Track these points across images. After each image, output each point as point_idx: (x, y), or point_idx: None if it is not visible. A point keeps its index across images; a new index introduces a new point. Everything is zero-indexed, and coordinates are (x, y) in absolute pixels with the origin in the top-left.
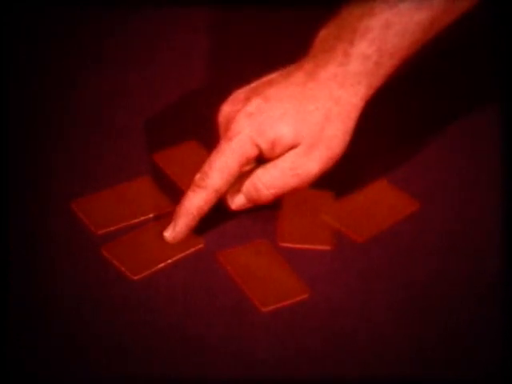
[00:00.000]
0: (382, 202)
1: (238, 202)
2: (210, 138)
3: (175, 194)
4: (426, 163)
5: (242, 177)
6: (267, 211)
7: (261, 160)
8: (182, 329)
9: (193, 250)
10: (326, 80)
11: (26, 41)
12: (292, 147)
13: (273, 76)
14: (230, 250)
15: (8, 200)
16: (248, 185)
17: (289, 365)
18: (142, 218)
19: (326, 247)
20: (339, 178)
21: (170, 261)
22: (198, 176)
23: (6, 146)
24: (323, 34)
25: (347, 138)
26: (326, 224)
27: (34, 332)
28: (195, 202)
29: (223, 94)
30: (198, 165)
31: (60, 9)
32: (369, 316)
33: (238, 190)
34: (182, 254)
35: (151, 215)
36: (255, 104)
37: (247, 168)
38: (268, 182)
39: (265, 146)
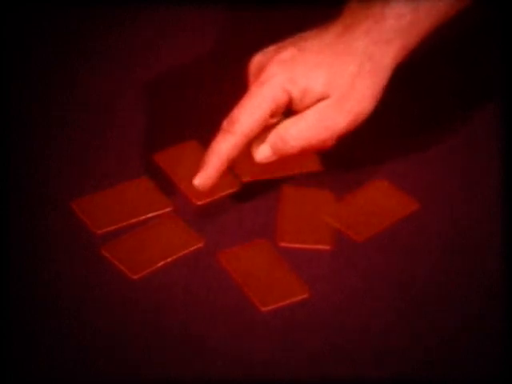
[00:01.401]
0: (382, 202)
1: (263, 153)
2: (210, 137)
3: (175, 194)
4: (426, 163)
5: (267, 131)
6: (267, 211)
7: (288, 113)
8: (182, 328)
9: (192, 249)
10: (361, 35)
11: (26, 41)
12: (321, 98)
13: (306, 32)
14: (229, 250)
15: (8, 200)
16: (275, 136)
17: (288, 364)
18: (142, 217)
19: (326, 247)
20: (339, 177)
21: (169, 259)
22: (226, 120)
23: (6, 146)
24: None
25: (377, 95)
26: (326, 224)
27: (34, 332)
28: (224, 146)
29: (223, 94)
30: (197, 164)
31: (60, 8)
32: (369, 316)
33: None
34: (182, 253)
35: (151, 215)
36: (289, 53)
37: (274, 120)
38: (295, 133)
39: (296, 94)
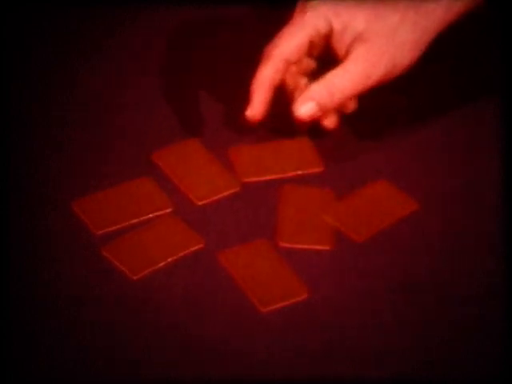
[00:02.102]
0: (382, 202)
1: (307, 109)
2: (210, 137)
3: (175, 193)
4: (426, 163)
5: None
6: (267, 211)
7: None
8: (182, 328)
9: (192, 249)
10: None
11: (26, 41)
12: (361, 39)
13: None
14: (229, 250)
15: (8, 200)
16: (321, 90)
17: (288, 365)
18: (142, 218)
19: (326, 247)
20: (339, 178)
21: (169, 259)
22: (267, 47)
23: (6, 146)
24: None
25: (419, 47)
26: (326, 224)
27: (34, 332)
28: (266, 72)
29: (223, 94)
30: (198, 164)
31: (60, 8)
32: (368, 316)
33: (306, 99)
34: (182, 254)
35: (151, 215)
36: None
37: (313, 65)
38: (341, 85)
39: (337, 27)
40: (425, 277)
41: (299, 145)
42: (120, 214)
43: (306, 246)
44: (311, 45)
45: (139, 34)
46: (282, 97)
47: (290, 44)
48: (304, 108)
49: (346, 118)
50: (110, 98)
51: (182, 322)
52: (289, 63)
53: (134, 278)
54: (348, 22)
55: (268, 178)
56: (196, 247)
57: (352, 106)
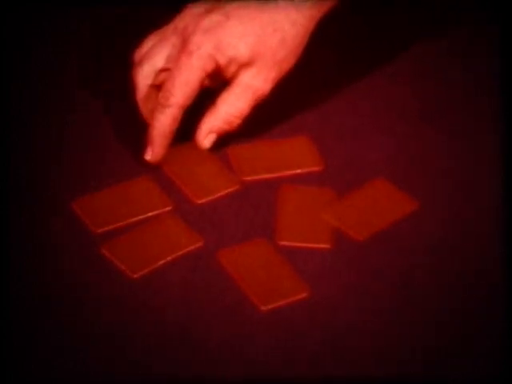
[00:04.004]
0: (382, 201)
1: (210, 140)
2: None
3: (175, 192)
4: (426, 163)
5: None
6: (266, 210)
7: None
8: (182, 327)
9: (192, 248)
10: (284, 2)
11: (26, 41)
12: (245, 65)
13: None
14: (229, 249)
15: (8, 200)
16: (219, 123)
17: (288, 363)
18: (142, 216)
19: (326, 246)
20: (339, 177)
21: (169, 258)
22: (161, 95)
23: (6, 146)
24: None
25: (297, 57)
26: (326, 222)
27: (34, 331)
28: (164, 121)
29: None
30: (197, 163)
31: (60, 8)
32: (368, 315)
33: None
34: (182, 252)
35: (150, 214)
36: (215, 19)
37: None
38: (237, 111)
39: (222, 62)
40: (424, 276)
41: (299, 143)
42: (119, 213)
43: (305, 245)
44: (202, 81)
45: (139, 33)
46: (281, 97)
47: (182, 92)
48: (207, 141)
49: (346, 118)
50: (110, 98)
51: (181, 321)
52: (184, 108)
53: (134, 276)
54: (232, 57)
55: (267, 176)
56: (195, 246)
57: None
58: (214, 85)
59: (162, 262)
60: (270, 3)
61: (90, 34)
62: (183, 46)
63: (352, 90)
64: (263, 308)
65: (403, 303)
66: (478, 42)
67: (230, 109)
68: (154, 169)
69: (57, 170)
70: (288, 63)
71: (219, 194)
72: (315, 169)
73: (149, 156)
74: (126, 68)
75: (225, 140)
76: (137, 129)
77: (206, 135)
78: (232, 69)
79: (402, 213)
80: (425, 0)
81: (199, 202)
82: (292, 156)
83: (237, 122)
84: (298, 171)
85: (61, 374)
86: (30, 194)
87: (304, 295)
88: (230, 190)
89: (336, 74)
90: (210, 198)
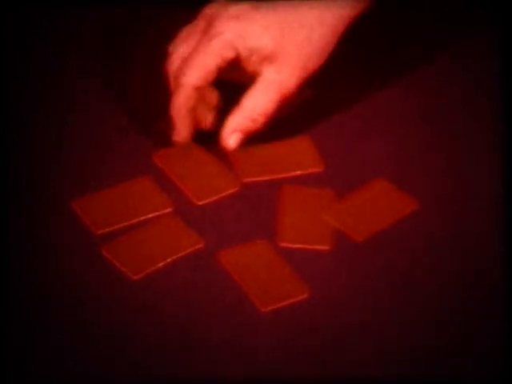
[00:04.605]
0: (382, 202)
1: (234, 139)
2: (210, 137)
3: (175, 193)
4: (426, 163)
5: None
6: (267, 211)
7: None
8: (182, 328)
9: (192, 249)
10: (314, 0)
11: (26, 41)
12: (269, 59)
13: None
14: (229, 250)
15: (8, 200)
16: (243, 120)
17: (289, 364)
18: (142, 217)
19: (326, 247)
20: (339, 178)
21: (169, 259)
22: (176, 75)
23: (6, 146)
24: None
25: (324, 58)
26: (326, 223)
27: (34, 332)
28: (177, 100)
29: (223, 94)
30: (198, 164)
31: (60, 8)
32: (368, 316)
33: (230, 132)
34: (182, 254)
35: (151, 215)
36: (242, 8)
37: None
38: (260, 107)
39: (243, 52)
40: (425, 277)
41: (299, 145)
42: (120, 214)
43: (305, 246)
44: (218, 70)
45: (139, 33)
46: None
47: (197, 73)
48: (232, 140)
49: (347, 119)
50: (110, 98)
51: (182, 322)
52: (199, 88)
53: (134, 277)
54: (254, 47)
55: (268, 177)
56: (196, 247)
57: None
58: (240, 78)
59: (162, 264)
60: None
61: (90, 34)
62: (206, 29)
63: (352, 91)
64: (263, 309)
65: (403, 303)
66: (478, 42)
67: (254, 105)
68: (155, 169)
69: (57, 170)
70: (314, 63)
71: (220, 195)
72: (315, 170)
73: (175, 137)
74: (125, 68)
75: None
76: (137, 129)
77: (230, 134)
78: (254, 61)
79: (402, 213)
80: (424, 0)
81: (200, 203)
82: (292, 157)
83: (261, 119)
84: (299, 172)
85: (61, 373)
86: (30, 194)
87: (304, 296)
88: (230, 191)
89: (336, 76)
90: (210, 199)
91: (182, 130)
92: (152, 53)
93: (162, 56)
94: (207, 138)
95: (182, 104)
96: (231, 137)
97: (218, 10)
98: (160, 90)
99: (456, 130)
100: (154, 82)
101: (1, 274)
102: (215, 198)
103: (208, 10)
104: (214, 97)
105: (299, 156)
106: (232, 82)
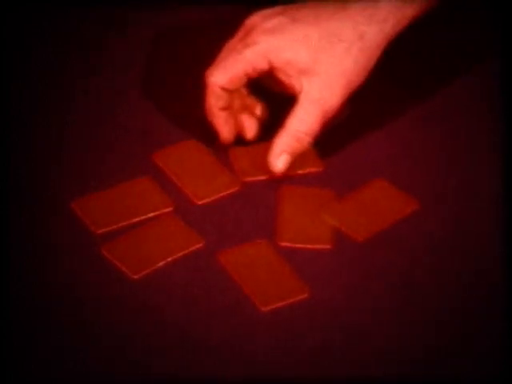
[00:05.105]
0: (382, 202)
1: (283, 162)
2: (210, 137)
3: (175, 193)
4: (426, 163)
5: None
6: (267, 211)
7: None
8: (182, 328)
9: (192, 248)
10: (355, 14)
11: (26, 41)
12: (308, 73)
13: (303, 3)
14: (229, 250)
15: (8, 200)
16: (288, 141)
17: (288, 364)
18: (142, 217)
19: (326, 246)
20: (339, 177)
21: (169, 259)
22: (206, 71)
23: (6, 146)
24: None
25: (366, 73)
26: (326, 223)
27: (34, 332)
28: (209, 101)
29: (269, 108)
30: (197, 164)
31: (60, 8)
32: (369, 315)
33: (278, 154)
34: (182, 253)
35: (151, 214)
36: (280, 21)
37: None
38: (306, 127)
39: (278, 65)
40: (424, 276)
41: None
42: (120, 214)
43: (305, 246)
44: (247, 77)
45: (139, 33)
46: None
47: (223, 75)
48: (280, 162)
49: (346, 119)
50: (110, 98)
51: (181, 322)
52: (227, 90)
53: (134, 277)
54: (290, 60)
55: (268, 177)
56: (196, 247)
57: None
58: (283, 91)
59: (162, 263)
60: (340, 12)
61: (90, 34)
62: (243, 39)
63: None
64: (263, 309)
65: (403, 303)
66: (477, 42)
67: (299, 125)
68: (155, 169)
69: (57, 170)
70: (355, 80)
71: (220, 195)
72: (315, 169)
73: (220, 139)
74: (125, 68)
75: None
76: (137, 129)
77: (278, 156)
78: (291, 73)
79: (402, 213)
80: None
81: (200, 202)
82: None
83: (307, 139)
84: (299, 172)
85: (61, 373)
86: (30, 194)
87: (304, 296)
88: (230, 190)
89: None
90: (210, 198)
91: (222, 131)
92: (152, 53)
93: (162, 56)
94: (207, 138)
95: (211, 104)
96: (279, 159)
97: (257, 21)
98: (160, 90)
99: (456, 130)
100: (154, 82)
101: (1, 274)
102: (215, 197)
103: (248, 22)
104: (258, 108)
105: (299, 156)
106: (278, 93)
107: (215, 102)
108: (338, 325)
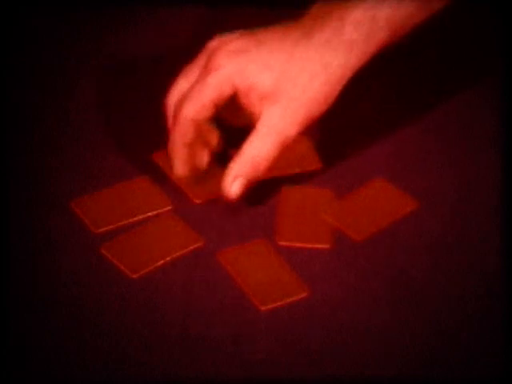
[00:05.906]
0: (382, 201)
1: (237, 186)
2: None
3: (175, 193)
4: (426, 163)
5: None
6: (266, 210)
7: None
8: (181, 328)
9: (192, 247)
10: (319, 44)
11: (26, 41)
12: (268, 99)
13: (271, 27)
14: (229, 249)
15: (8, 200)
16: (243, 167)
17: (288, 364)
18: (142, 216)
19: (325, 246)
20: (339, 177)
21: (169, 258)
22: (173, 109)
23: (6, 146)
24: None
25: (328, 104)
26: (325, 223)
27: (34, 331)
28: (177, 135)
29: (225, 137)
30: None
31: (60, 9)
32: (368, 315)
33: (232, 180)
34: (181, 252)
35: (150, 214)
36: (244, 43)
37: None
38: (262, 154)
39: (242, 88)
40: (424, 276)
41: (298, 144)
42: (119, 213)
43: (305, 245)
44: (215, 105)
45: (139, 34)
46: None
47: (194, 107)
48: (234, 187)
49: (346, 118)
50: (110, 98)
51: (181, 321)
52: (196, 123)
53: (134, 276)
54: (253, 85)
55: (267, 176)
56: (195, 246)
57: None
58: (241, 121)
59: (161, 262)
60: (305, 40)
61: (90, 34)
62: (206, 64)
63: (351, 90)
64: (263, 308)
65: (403, 303)
66: (478, 43)
67: (255, 152)
68: (154, 169)
69: (56, 169)
70: (317, 110)
71: (219, 194)
72: (315, 169)
73: (174, 172)
74: (125, 68)
75: (224, 140)
76: (137, 129)
77: (232, 182)
78: (253, 99)
79: (402, 213)
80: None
81: (199, 202)
82: (291, 156)
83: (263, 166)
84: (298, 171)
85: (61, 373)
86: (30, 194)
87: (303, 295)
88: None
89: None
90: (209, 198)
91: (179, 166)
92: (152, 53)
93: (162, 56)
94: None
95: (177, 138)
96: (233, 184)
97: (220, 44)
98: (160, 90)
99: (456, 129)
100: (154, 82)
101: (1, 274)
102: (215, 196)
103: (210, 45)
104: (213, 137)
105: (298, 155)
106: (234, 125)
107: (182, 138)
108: (337, 324)
